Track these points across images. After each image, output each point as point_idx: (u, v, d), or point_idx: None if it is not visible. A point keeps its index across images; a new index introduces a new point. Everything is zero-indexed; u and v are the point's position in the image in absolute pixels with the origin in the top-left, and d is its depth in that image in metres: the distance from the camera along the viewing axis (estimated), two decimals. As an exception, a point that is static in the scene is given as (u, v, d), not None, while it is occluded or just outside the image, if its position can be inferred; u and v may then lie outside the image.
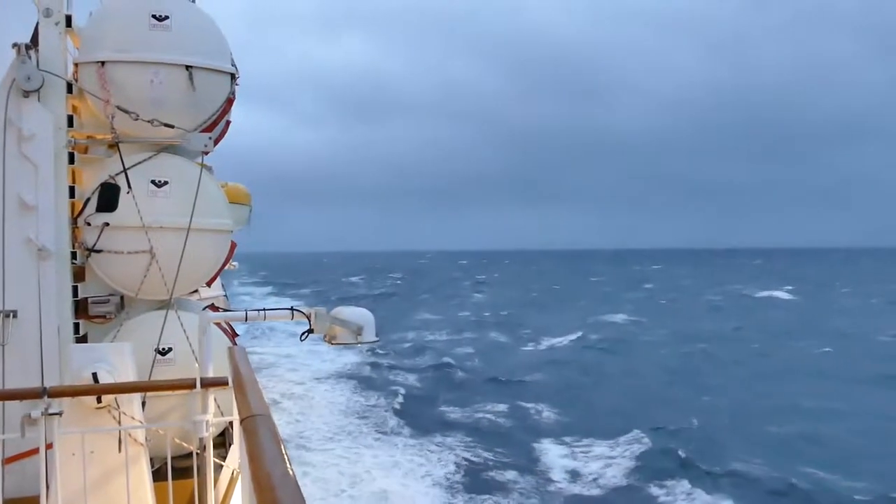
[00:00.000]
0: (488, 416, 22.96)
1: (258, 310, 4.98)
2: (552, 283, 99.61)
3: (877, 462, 17.80)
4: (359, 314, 5.14)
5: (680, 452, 18.06)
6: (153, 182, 5.69)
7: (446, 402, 24.80)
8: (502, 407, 23.96)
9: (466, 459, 18.23)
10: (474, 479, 16.88)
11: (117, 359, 4.36)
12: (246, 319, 5.04)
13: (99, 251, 5.56)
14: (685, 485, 16.21)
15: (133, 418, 4.27)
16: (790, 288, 76.40)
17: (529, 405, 24.24)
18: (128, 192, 5.55)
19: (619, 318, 49.94)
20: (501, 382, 28.28)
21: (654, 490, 16.22)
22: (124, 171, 5.54)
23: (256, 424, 2.35)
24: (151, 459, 4.55)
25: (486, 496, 15.79)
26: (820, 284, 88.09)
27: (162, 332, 5.55)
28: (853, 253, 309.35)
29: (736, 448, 18.86)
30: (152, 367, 5.45)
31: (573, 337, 40.55)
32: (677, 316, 52.16)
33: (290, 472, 1.87)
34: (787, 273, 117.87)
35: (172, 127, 5.66)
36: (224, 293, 9.67)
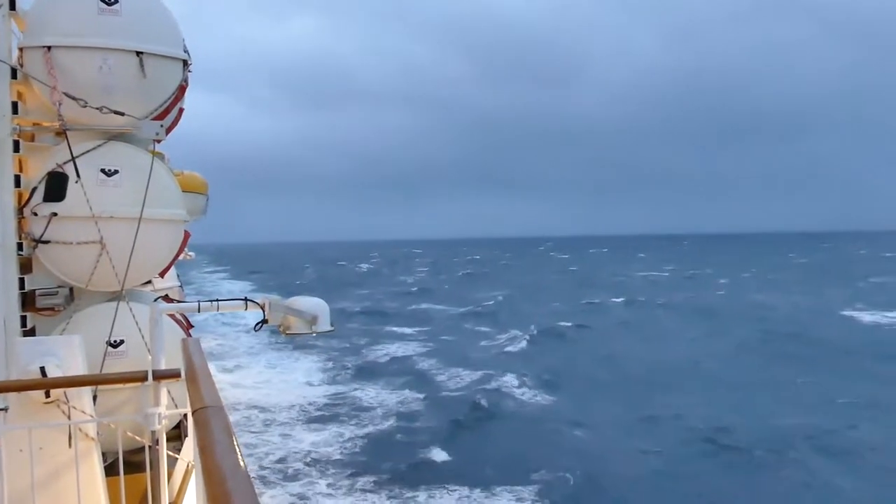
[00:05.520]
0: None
1: (211, 300, 4.91)
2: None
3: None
4: (313, 304, 5.10)
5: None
6: (103, 171, 5.56)
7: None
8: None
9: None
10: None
11: (66, 352, 4.26)
12: (199, 310, 4.97)
13: (46, 242, 5.42)
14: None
15: (83, 412, 4.18)
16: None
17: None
18: (76, 182, 5.41)
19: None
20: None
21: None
22: (73, 159, 5.39)
23: (208, 416, 2.33)
24: (104, 454, 4.46)
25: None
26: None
27: (113, 325, 5.44)
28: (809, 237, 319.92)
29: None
30: (104, 360, 5.35)
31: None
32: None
33: (242, 464, 1.86)
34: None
35: (122, 114, 5.54)
36: (179, 284, 9.49)
